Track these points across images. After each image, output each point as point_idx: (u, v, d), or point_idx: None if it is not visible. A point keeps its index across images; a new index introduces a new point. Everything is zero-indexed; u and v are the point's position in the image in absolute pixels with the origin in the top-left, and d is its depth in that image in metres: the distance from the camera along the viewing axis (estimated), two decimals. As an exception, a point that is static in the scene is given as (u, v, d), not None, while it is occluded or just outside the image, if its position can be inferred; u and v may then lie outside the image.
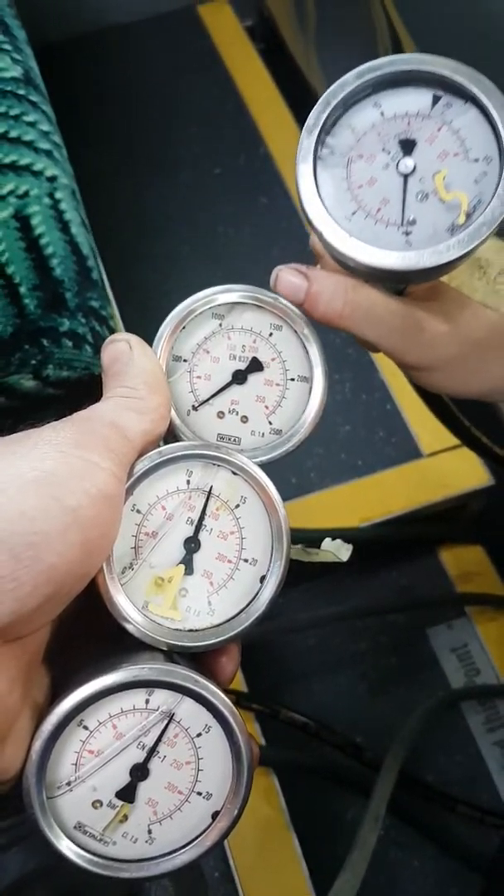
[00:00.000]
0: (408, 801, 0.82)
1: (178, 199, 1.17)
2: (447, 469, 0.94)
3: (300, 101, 1.22)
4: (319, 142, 0.41)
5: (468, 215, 0.40)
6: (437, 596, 0.98)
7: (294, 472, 0.95)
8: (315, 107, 0.41)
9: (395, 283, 0.43)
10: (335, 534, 0.88)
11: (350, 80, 0.41)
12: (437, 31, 0.77)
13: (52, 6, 1.22)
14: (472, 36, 0.69)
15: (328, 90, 0.41)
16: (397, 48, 0.83)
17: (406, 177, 0.41)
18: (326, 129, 0.41)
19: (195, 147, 1.21)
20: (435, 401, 0.66)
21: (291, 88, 1.23)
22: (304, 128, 0.41)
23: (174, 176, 1.19)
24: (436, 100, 0.41)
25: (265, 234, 1.13)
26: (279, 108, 1.23)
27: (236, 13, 1.31)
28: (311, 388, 0.42)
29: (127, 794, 0.35)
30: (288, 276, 0.42)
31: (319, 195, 0.41)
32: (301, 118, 1.20)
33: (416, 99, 0.41)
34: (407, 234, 0.41)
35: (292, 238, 1.13)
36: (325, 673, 0.92)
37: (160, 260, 1.11)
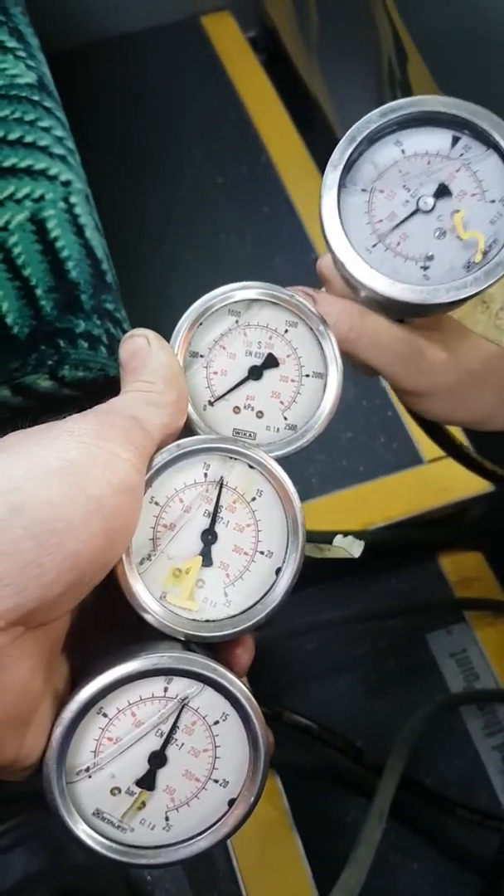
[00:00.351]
0: (407, 804, 0.82)
1: (181, 207, 1.18)
2: (447, 475, 0.95)
3: (302, 111, 1.23)
4: (343, 176, 0.43)
5: (484, 254, 0.41)
6: (436, 601, 0.98)
7: (296, 477, 0.94)
8: (340, 142, 0.43)
9: (409, 314, 0.45)
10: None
11: (374, 119, 0.43)
12: (441, 39, 0.78)
13: (57, 16, 1.23)
14: (477, 43, 0.70)
15: (353, 126, 0.43)
16: (401, 58, 0.85)
17: (426, 214, 0.42)
18: (350, 164, 0.43)
19: (198, 155, 1.22)
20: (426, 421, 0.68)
21: (293, 98, 1.25)
22: (329, 162, 0.43)
23: (177, 183, 1.20)
24: (455, 140, 0.42)
25: (267, 242, 1.14)
26: (281, 118, 1.24)
27: (239, 24, 1.32)
28: (325, 385, 0.43)
29: (147, 781, 0.36)
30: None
31: (343, 227, 0.43)
32: (303, 128, 1.22)
33: (436, 139, 0.43)
34: (424, 268, 0.42)
35: (294, 246, 1.14)
36: (326, 677, 0.93)
37: (162, 266, 1.12)
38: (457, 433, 0.72)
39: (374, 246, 0.43)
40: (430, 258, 0.42)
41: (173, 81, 1.29)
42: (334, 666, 0.94)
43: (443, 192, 0.42)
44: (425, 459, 0.97)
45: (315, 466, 0.97)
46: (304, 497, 0.99)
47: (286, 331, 0.43)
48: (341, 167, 0.43)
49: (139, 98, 1.28)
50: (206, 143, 1.23)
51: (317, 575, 0.95)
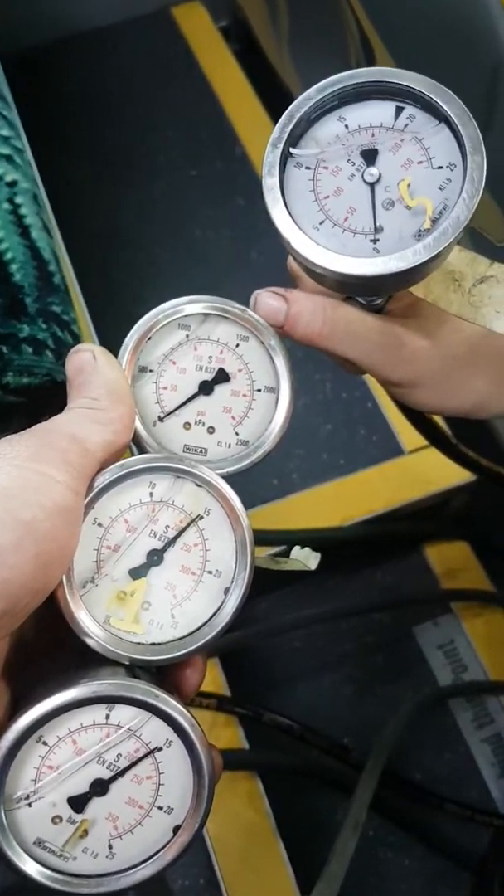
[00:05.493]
0: (397, 801, 0.82)
1: (157, 204, 1.17)
2: (429, 466, 0.94)
3: (275, 101, 1.22)
4: (285, 155, 0.42)
5: (434, 221, 0.40)
6: (422, 593, 0.97)
7: (276, 473, 0.94)
8: (279, 121, 0.42)
9: (367, 292, 0.44)
10: (318, 534, 0.87)
11: (313, 95, 0.41)
12: (407, 36, 0.77)
13: (24, 13, 1.22)
14: (442, 39, 0.69)
15: (292, 104, 0.42)
16: (367, 48, 0.83)
17: (372, 185, 0.41)
18: (292, 142, 0.42)
19: (172, 150, 1.21)
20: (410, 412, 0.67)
21: (266, 88, 1.23)
22: (269, 142, 0.42)
23: (152, 180, 1.19)
24: (398, 111, 0.41)
25: (244, 235, 1.13)
26: (255, 109, 1.22)
27: (210, 15, 1.31)
28: (277, 399, 0.42)
29: (77, 804, 0.35)
30: (267, 299, 0.43)
31: (287, 207, 0.42)
32: (276, 118, 1.20)
33: (379, 111, 0.41)
34: (374, 241, 0.41)
35: (271, 239, 1.12)
36: (311, 675, 0.92)
37: (140, 265, 1.11)
38: (437, 421, 0.71)
39: (321, 223, 0.41)
40: (379, 230, 0.41)
41: (145, 74, 1.28)
42: (321, 663, 0.93)
43: (372, 156, 0.41)
44: (406, 451, 0.96)
45: (295, 461, 0.96)
46: (284, 493, 0.99)
47: (237, 345, 0.42)
48: (281, 146, 0.41)
49: (111, 91, 1.26)
50: (181, 135, 1.22)
51: (301, 571, 0.94)
